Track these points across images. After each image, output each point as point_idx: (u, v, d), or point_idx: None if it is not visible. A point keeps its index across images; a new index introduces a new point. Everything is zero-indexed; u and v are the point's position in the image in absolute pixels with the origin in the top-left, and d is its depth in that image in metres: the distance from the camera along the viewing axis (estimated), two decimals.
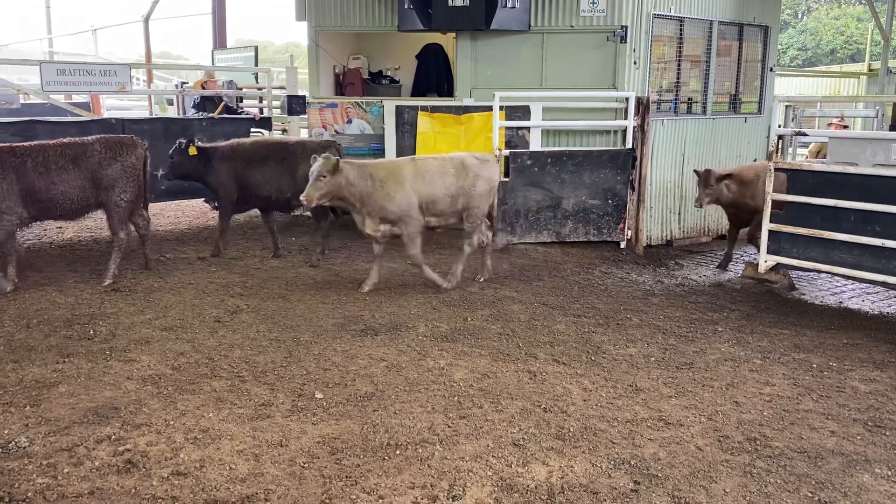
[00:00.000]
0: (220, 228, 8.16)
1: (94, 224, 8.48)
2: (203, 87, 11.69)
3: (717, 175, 7.83)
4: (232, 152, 7.89)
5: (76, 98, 13.77)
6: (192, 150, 7.76)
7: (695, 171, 8.19)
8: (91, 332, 5.53)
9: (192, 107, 11.87)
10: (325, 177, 6.28)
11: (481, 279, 7.23)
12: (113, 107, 16.19)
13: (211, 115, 10.67)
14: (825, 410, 4.53)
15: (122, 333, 5.50)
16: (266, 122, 10.80)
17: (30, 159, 6.51)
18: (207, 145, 7.96)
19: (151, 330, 5.60)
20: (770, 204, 6.72)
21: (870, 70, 18.28)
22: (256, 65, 13.00)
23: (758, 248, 7.04)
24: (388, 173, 6.60)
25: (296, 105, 10.24)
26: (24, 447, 3.79)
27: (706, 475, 3.72)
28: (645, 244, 8.83)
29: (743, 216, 8.01)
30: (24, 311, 5.97)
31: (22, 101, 11.82)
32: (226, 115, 10.79)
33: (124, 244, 6.99)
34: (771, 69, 10.73)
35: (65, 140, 6.87)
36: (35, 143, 6.86)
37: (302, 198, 6.31)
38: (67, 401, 4.35)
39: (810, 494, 3.58)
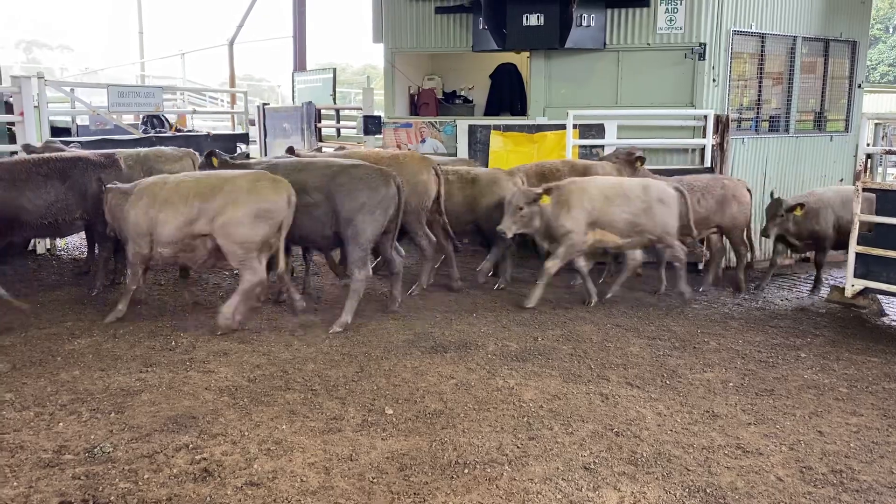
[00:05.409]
0: None
1: None
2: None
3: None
4: None
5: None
6: None
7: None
8: (172, 343, 5.73)
9: (142, 123, 13.18)
10: None
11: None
12: (198, 127, 16.92)
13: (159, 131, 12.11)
14: None
15: (201, 345, 5.69)
16: (244, 137, 11.87)
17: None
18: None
19: (229, 342, 5.76)
20: (858, 226, 6.44)
21: None
22: (334, 86, 13.39)
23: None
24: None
25: (371, 125, 10.46)
26: (109, 452, 3.95)
27: None
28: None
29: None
30: (112, 321, 6.24)
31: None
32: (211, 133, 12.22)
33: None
34: (859, 86, 10.32)
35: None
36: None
37: None
38: (149, 409, 4.52)
39: None
